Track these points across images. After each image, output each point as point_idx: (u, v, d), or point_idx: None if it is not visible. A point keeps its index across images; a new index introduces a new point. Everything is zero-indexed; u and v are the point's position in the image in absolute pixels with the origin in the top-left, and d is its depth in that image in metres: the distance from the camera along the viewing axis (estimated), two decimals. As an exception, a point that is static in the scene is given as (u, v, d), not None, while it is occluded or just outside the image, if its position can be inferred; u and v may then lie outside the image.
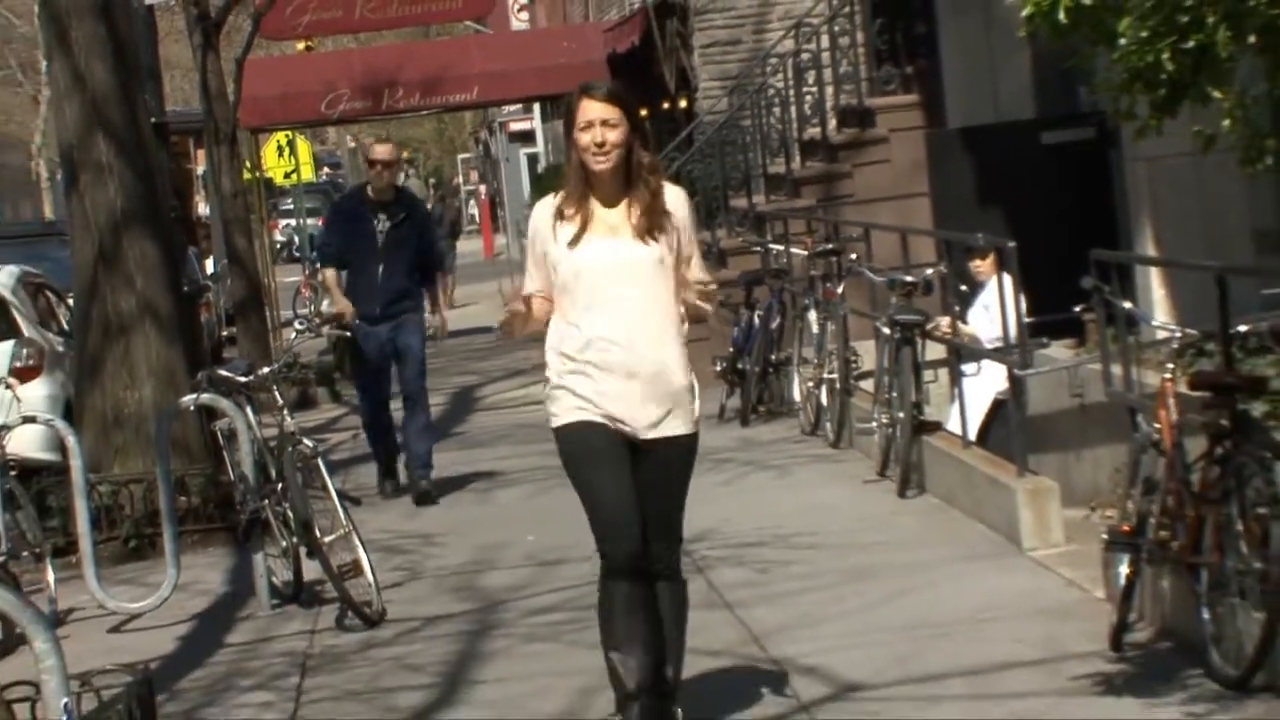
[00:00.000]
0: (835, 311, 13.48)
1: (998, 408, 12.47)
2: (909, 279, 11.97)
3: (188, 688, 8.75)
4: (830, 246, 14.08)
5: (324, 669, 8.82)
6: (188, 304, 14.68)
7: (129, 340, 12.49)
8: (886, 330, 11.92)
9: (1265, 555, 6.71)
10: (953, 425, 11.51)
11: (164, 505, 10.35)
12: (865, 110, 18.46)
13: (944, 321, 12.20)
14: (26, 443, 12.55)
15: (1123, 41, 6.67)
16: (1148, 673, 7.32)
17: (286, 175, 34.56)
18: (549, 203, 6.86)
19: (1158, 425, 7.52)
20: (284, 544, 10.07)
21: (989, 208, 16.15)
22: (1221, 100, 6.71)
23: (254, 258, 21.35)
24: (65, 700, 4.94)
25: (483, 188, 59.48)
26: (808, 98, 19.20)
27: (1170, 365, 7.64)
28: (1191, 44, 6.53)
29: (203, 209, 33.49)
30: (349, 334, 12.83)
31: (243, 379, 10.47)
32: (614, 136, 6.68)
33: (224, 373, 10.67)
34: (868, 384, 12.89)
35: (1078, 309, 9.16)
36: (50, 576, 10.41)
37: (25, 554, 10.58)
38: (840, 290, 13.58)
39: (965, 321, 12.91)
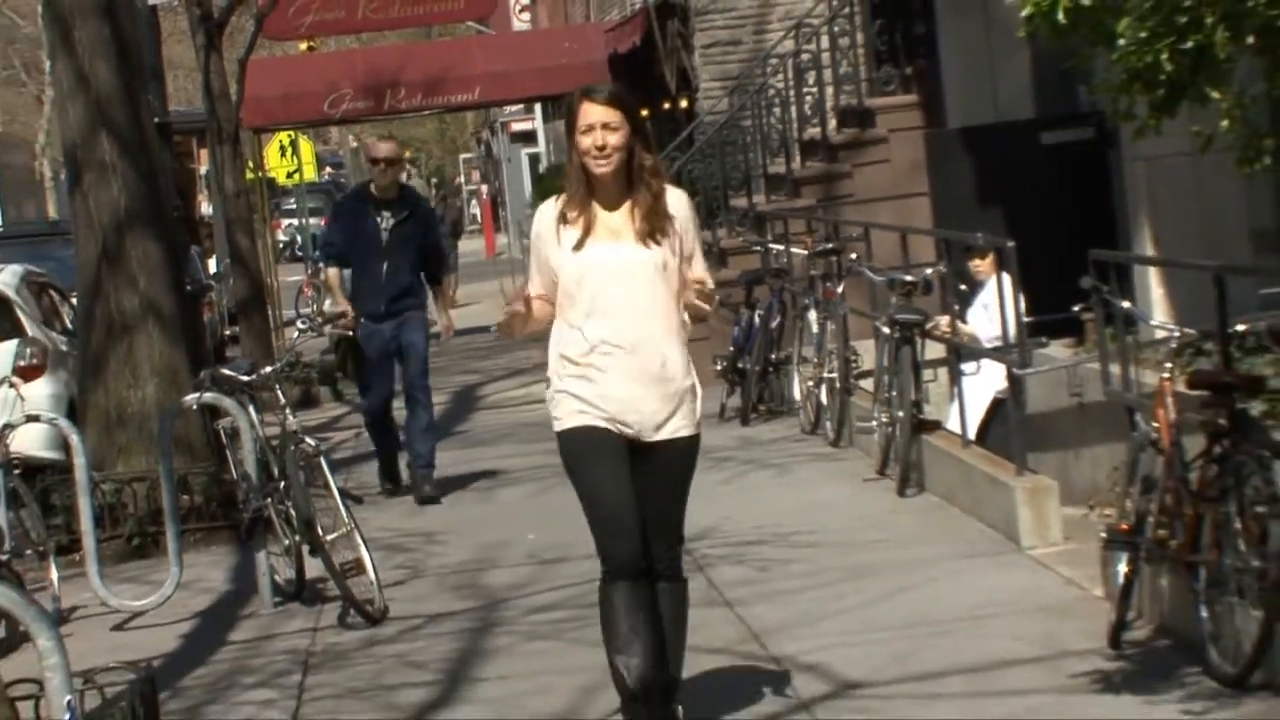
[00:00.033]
0: (835, 311, 13.50)
1: (997, 407, 12.49)
2: (909, 278, 11.99)
3: (190, 685, 8.76)
4: (830, 246, 14.10)
5: (326, 667, 8.84)
6: (190, 303, 14.72)
7: (132, 339, 12.52)
8: (886, 329, 11.94)
9: (1263, 553, 6.72)
10: (952, 424, 11.53)
11: (167, 503, 10.37)
12: (865, 110, 18.49)
13: (943, 321, 12.23)
14: (30, 441, 12.57)
15: (1121, 42, 6.68)
16: (1146, 670, 7.33)
17: (289, 175, 34.55)
18: (552, 206, 6.85)
19: (1156, 424, 7.54)
20: (286, 542, 10.09)
21: (988, 207, 16.18)
22: (1220, 100, 6.73)
23: (256, 257, 21.40)
24: (69, 698, 4.95)
25: (484, 187, 59.49)
26: (808, 98, 19.23)
27: (1169, 364, 7.66)
28: (1190, 44, 6.54)
29: (206, 209, 33.48)
30: (351, 333, 12.85)
31: (245, 378, 10.48)
32: (615, 140, 6.67)
33: (227, 372, 10.68)
34: (867, 383, 12.92)
35: (1077, 308, 9.17)
36: (54, 574, 10.43)
37: (29, 552, 10.59)
38: (840, 290, 13.60)
39: (965, 321, 12.95)
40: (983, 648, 7.87)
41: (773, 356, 15.00)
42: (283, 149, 33.78)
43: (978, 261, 13.45)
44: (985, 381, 12.11)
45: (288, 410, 10.24)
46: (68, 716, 4.94)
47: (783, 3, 22.43)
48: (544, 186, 37.55)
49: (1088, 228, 14.44)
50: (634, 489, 6.69)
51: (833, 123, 18.86)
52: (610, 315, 6.71)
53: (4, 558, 9.93)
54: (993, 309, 11.69)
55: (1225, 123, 6.80)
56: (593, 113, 6.68)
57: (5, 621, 9.24)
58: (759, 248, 16.45)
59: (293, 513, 9.82)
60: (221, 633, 9.81)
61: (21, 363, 14.86)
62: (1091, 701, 7.08)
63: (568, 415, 6.77)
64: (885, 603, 8.82)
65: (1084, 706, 7.04)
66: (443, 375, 18.79)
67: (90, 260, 12.65)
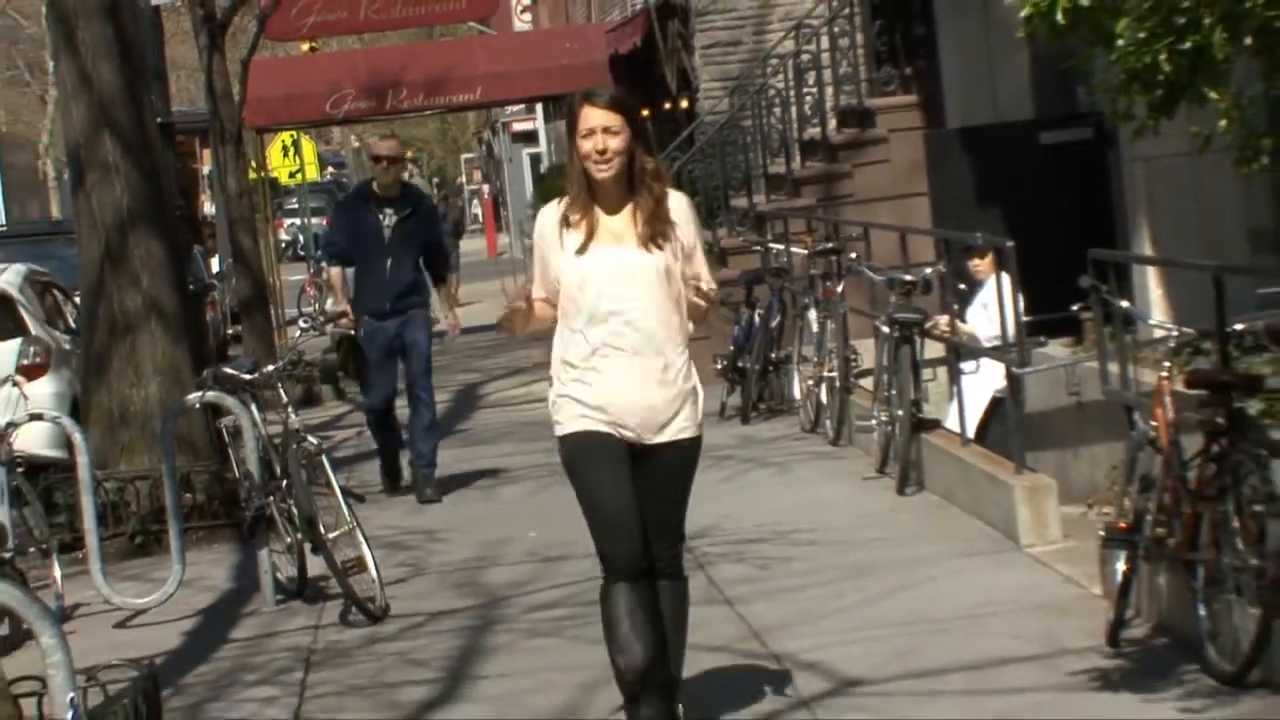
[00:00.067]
0: (835, 310, 13.52)
1: (996, 405, 12.51)
2: (908, 278, 12.02)
3: (193, 683, 8.78)
4: (830, 246, 14.12)
5: (328, 664, 8.86)
6: (193, 302, 14.76)
7: (135, 338, 12.54)
8: (886, 329, 11.96)
9: (1261, 552, 6.74)
10: (951, 423, 11.55)
11: (169, 502, 10.40)
12: (865, 110, 18.51)
13: (943, 320, 12.26)
14: (33, 440, 12.60)
15: (1120, 42, 6.70)
16: (1144, 668, 7.35)
17: (291, 175, 34.54)
18: (554, 209, 6.84)
19: (1154, 423, 7.56)
20: (288, 540, 10.11)
21: (988, 207, 16.20)
22: (1218, 101, 6.75)
23: (259, 257, 21.42)
24: (71, 695, 4.97)
25: (486, 187, 59.50)
26: (808, 98, 19.25)
27: (1167, 363, 7.68)
28: (1188, 45, 6.56)
29: (208, 208, 33.55)
30: (352, 332, 12.86)
31: (247, 377, 10.50)
32: (615, 144, 6.66)
33: (229, 370, 10.71)
34: (867, 382, 12.94)
35: (1075, 308, 9.19)
36: (57, 572, 10.45)
37: (32, 550, 10.61)
38: (840, 289, 13.62)
39: (964, 320, 12.98)
40: (982, 645, 7.89)
41: (773, 355, 15.01)
42: (285, 149, 33.77)
43: (977, 261, 13.47)
44: (984, 380, 12.13)
45: (290, 409, 10.26)
46: (70, 714, 4.96)
47: (783, 3, 22.44)
48: (545, 186, 37.60)
49: (1086, 227, 14.46)
50: (635, 491, 6.69)
51: (833, 123, 18.88)
52: (612, 319, 6.71)
53: (7, 555, 9.94)
54: (992, 308, 11.71)
55: (1223, 123, 6.82)
56: (593, 116, 6.66)
57: (8, 619, 9.24)
58: (759, 247, 16.47)
59: (295, 511, 9.84)
60: (224, 630, 9.83)
61: (25, 361, 14.90)
62: (1090, 699, 7.10)
63: (569, 420, 6.78)
64: (885, 600, 8.84)
65: (1082, 704, 7.06)
66: (445, 374, 18.81)
67: (93, 260, 12.67)
